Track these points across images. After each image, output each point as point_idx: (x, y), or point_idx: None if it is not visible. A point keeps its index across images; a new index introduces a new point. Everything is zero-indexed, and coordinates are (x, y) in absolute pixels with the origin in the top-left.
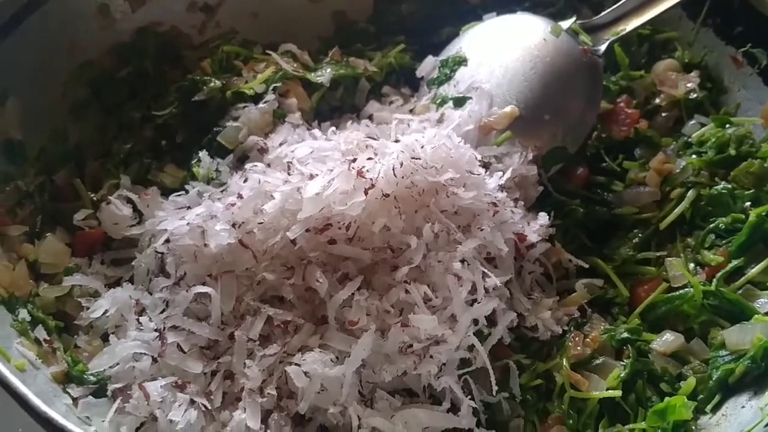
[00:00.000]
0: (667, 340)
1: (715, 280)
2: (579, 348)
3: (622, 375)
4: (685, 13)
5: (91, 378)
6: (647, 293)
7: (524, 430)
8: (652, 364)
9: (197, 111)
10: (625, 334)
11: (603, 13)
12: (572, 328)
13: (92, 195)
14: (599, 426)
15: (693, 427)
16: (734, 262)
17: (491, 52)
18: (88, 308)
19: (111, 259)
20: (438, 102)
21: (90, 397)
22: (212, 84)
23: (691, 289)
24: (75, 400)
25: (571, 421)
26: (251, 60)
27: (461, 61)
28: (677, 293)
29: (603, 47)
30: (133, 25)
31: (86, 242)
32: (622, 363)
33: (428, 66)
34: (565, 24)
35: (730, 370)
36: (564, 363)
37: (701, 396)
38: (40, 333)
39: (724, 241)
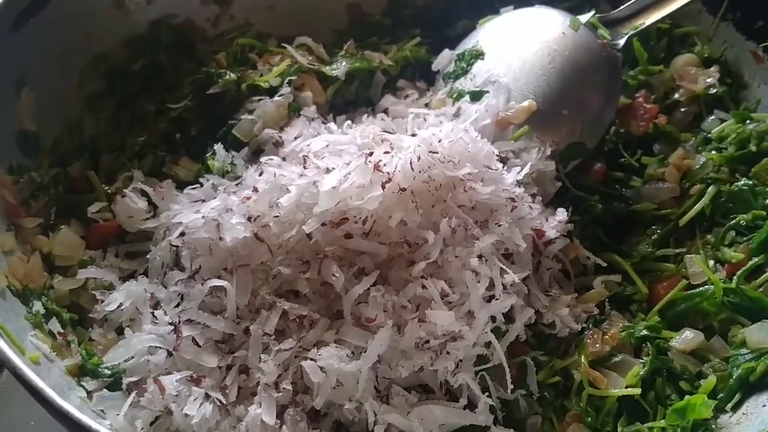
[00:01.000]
0: (686, 338)
1: (735, 277)
2: (597, 345)
3: (641, 373)
4: (705, 8)
5: (106, 371)
6: (666, 290)
7: (542, 427)
8: (671, 362)
9: (212, 104)
10: (644, 332)
11: (622, 7)
12: (590, 326)
13: (106, 188)
14: (618, 424)
15: (713, 426)
16: (755, 260)
17: (508, 46)
18: (102, 301)
19: (125, 252)
20: (454, 96)
21: (105, 390)
22: (227, 77)
23: (711, 287)
24: (89, 393)
25: (589, 419)
26: (266, 53)
27: (478, 55)
28: (697, 290)
29: (622, 41)
30: (148, 17)
31: (100, 235)
32: (641, 360)
33: (444, 59)
34: (584, 18)
35: (751, 369)
36: (582, 360)
37: (721, 394)
38: (54, 326)
39: (744, 239)
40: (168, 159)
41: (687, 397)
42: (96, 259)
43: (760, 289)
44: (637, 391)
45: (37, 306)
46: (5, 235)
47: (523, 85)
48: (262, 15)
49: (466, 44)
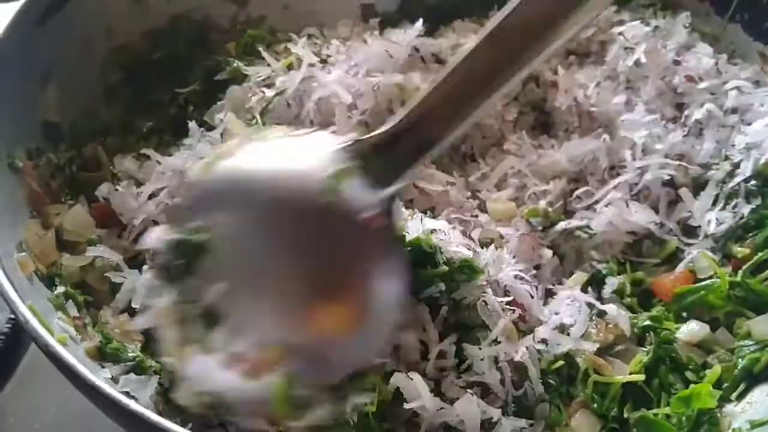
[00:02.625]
0: (692, 330)
1: (740, 271)
2: (601, 335)
3: (644, 360)
4: (713, 9)
5: (130, 354)
6: (673, 284)
7: (550, 413)
8: (674, 350)
9: (219, 90)
10: (647, 322)
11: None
12: (594, 316)
13: (112, 168)
14: (624, 410)
15: (718, 414)
16: (759, 254)
17: None
18: (112, 281)
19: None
20: None
21: (132, 374)
22: (234, 65)
23: (718, 280)
24: (113, 377)
25: (595, 405)
26: (274, 44)
27: None
28: (703, 284)
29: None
30: (168, 12)
31: (102, 215)
32: (644, 349)
33: None
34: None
35: (756, 359)
36: (587, 348)
37: (726, 384)
38: (71, 309)
39: (750, 234)
40: (172, 142)
41: (692, 386)
42: (104, 239)
43: (766, 283)
44: (642, 377)
45: (59, 288)
46: (30, 222)
47: None
48: (277, 13)
49: None
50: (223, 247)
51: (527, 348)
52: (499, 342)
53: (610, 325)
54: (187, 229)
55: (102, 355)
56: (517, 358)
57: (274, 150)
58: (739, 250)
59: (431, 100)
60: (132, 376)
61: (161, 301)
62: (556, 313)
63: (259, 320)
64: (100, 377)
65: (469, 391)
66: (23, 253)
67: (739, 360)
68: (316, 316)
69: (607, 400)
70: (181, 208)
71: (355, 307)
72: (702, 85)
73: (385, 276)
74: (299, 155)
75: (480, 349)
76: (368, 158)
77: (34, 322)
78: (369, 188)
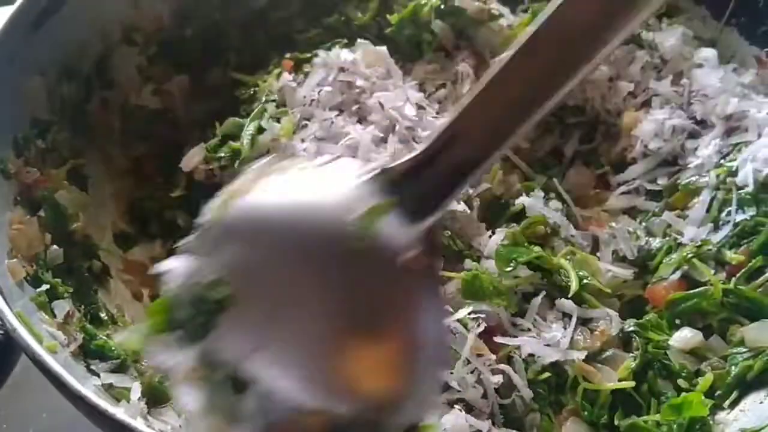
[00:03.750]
0: (685, 337)
1: (734, 279)
2: (588, 341)
3: (633, 366)
4: (709, 13)
5: (114, 352)
6: (667, 291)
7: (541, 423)
8: (662, 355)
9: None
10: (633, 327)
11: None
12: (578, 324)
13: None
14: (615, 417)
15: (711, 422)
16: (754, 261)
17: None
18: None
19: None
20: None
21: (120, 373)
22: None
23: (711, 287)
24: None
25: (585, 413)
26: None
27: None
28: (697, 291)
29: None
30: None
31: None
32: (632, 354)
33: None
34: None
35: (749, 367)
36: (575, 356)
37: (719, 392)
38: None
39: (744, 241)
40: None
41: (684, 394)
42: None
43: (760, 290)
44: (631, 384)
45: (43, 287)
46: (13, 215)
47: None
48: None
49: None
50: (246, 300)
51: (512, 357)
52: (469, 362)
53: (596, 332)
54: (205, 284)
55: (86, 353)
56: (495, 380)
57: (296, 185)
58: (734, 257)
59: (469, 115)
60: (119, 376)
61: (180, 360)
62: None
63: (296, 383)
64: (88, 386)
65: (457, 406)
66: (14, 260)
67: (732, 367)
68: (364, 377)
69: (596, 407)
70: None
71: (405, 364)
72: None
73: (433, 323)
74: (324, 190)
75: (452, 373)
76: (400, 187)
77: (22, 331)
78: (404, 222)
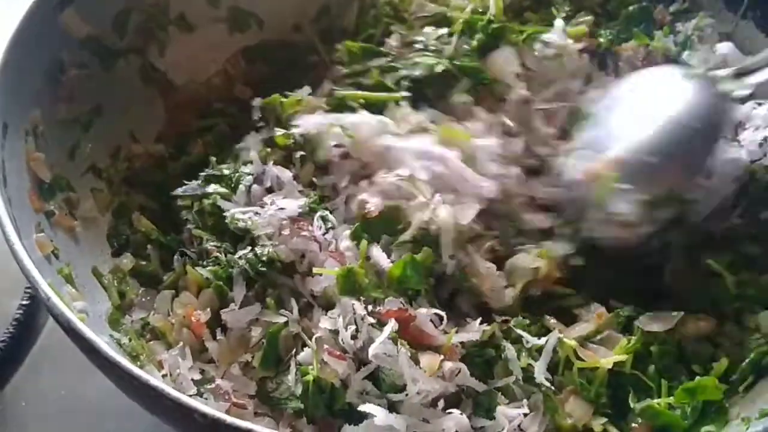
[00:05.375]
0: (700, 324)
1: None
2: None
3: (629, 345)
4: (724, 6)
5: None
6: None
7: (545, 404)
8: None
9: None
10: (628, 312)
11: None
12: None
13: None
14: (629, 400)
15: (726, 404)
16: None
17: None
18: None
19: None
20: None
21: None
22: None
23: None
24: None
25: (585, 393)
26: None
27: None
28: (712, 279)
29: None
30: None
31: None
32: (628, 336)
33: None
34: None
35: (765, 353)
36: (563, 336)
37: (734, 376)
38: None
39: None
40: None
41: (698, 378)
42: None
43: None
44: (625, 357)
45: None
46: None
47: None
48: None
49: None
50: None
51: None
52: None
53: (594, 315)
54: None
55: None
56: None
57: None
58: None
59: None
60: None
61: None
62: None
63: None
64: (120, 353)
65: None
66: (41, 234)
67: (748, 353)
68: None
69: (595, 385)
70: None
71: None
72: None
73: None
74: None
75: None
76: None
77: (56, 300)
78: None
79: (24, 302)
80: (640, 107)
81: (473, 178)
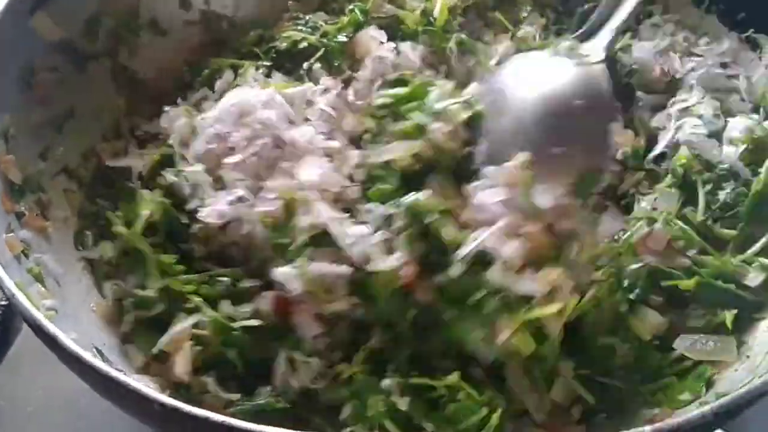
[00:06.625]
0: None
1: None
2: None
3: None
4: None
5: None
6: None
7: None
8: None
9: None
10: None
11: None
12: None
13: None
14: None
15: None
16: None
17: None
18: None
19: None
20: None
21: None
22: None
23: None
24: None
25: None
26: None
27: None
28: None
29: (601, 56)
30: None
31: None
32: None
33: None
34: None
35: None
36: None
37: None
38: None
39: (728, 213)
40: None
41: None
42: None
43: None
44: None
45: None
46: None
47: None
48: None
49: None
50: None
51: None
52: None
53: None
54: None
55: None
56: None
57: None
58: (726, 232)
59: None
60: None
61: None
62: None
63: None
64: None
65: None
66: (11, 234)
67: None
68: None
69: None
70: None
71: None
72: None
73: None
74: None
75: None
76: None
77: (21, 297)
78: None
79: (2, 303)
80: (524, 96)
81: None
